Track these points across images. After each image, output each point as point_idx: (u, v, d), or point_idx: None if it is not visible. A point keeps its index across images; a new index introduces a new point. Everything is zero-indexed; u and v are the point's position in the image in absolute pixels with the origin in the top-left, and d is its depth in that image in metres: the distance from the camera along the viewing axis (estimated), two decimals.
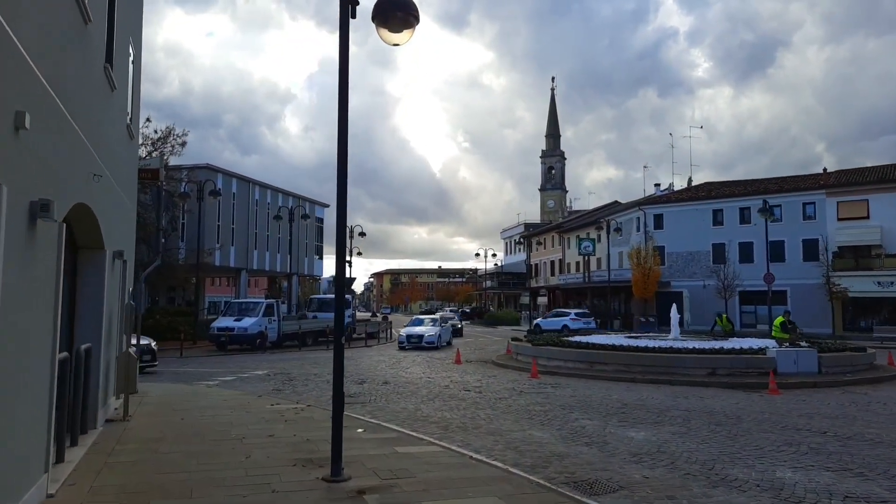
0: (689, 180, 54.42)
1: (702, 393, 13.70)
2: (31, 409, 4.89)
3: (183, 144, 29.35)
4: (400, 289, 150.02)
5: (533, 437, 8.81)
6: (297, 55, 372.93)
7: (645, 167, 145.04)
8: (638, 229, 49.22)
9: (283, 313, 28.93)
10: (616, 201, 68.74)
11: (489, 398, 12.73)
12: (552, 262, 67.65)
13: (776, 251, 40.09)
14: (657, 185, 56.73)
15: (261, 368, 18.77)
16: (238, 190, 37.93)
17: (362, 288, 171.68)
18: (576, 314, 40.07)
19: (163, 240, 11.52)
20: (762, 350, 16.72)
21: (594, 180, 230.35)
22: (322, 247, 48.37)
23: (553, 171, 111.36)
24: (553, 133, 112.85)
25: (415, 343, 27.13)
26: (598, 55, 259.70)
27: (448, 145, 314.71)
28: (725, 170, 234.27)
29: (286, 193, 43.08)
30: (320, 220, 48.01)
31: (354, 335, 33.63)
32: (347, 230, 43.02)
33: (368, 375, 17.06)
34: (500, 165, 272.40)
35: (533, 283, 72.15)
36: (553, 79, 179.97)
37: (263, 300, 28.01)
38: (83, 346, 7.58)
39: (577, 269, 59.95)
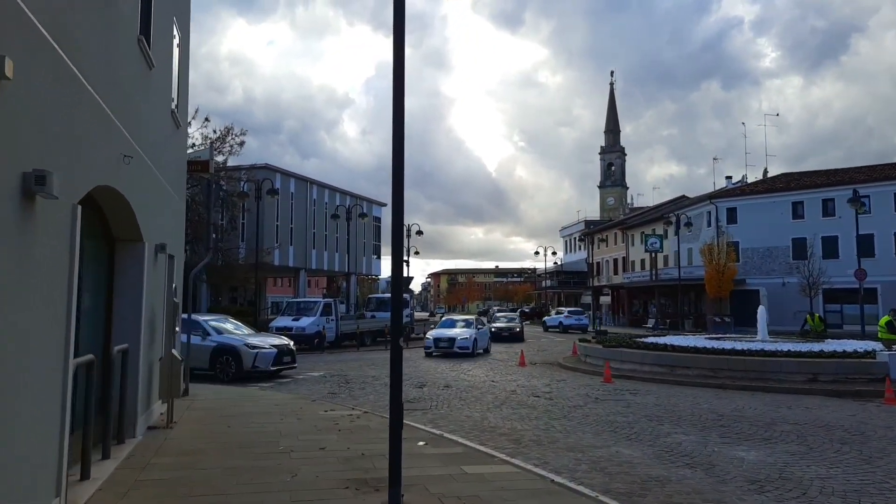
0: (765, 171, 51.23)
1: (805, 402, 12.03)
2: (34, 423, 4.09)
3: (241, 144, 29.31)
4: (457, 289, 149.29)
5: (621, 456, 7.57)
6: (354, 60, 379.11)
7: (715, 159, 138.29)
8: (709, 224, 46.54)
9: (341, 313, 28.43)
10: (683, 196, 65.67)
11: (562, 406, 11.51)
12: (615, 260, 65.23)
13: (865, 245, 36.77)
14: (728, 177, 53.68)
15: (317, 369, 18.12)
16: (296, 190, 37.89)
17: (419, 288, 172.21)
18: (569, 312, 46.72)
19: (214, 235, 10.87)
20: (870, 353, 14.75)
21: (655, 177, 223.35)
22: (380, 246, 48.00)
23: (613, 168, 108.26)
24: (612, 129, 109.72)
25: (444, 348, 23.43)
26: (659, 49, 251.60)
27: (504, 145, 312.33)
28: (796, 163, 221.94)
29: (343, 193, 42.87)
30: (378, 220, 47.64)
31: (413, 335, 32.92)
32: (405, 229, 42.47)
33: (428, 378, 16.12)
34: (556, 164, 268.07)
35: (595, 282, 69.84)
36: (612, 73, 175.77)
37: (321, 299, 27.59)
38: (119, 348, 6.88)
39: (643, 267, 57.49)
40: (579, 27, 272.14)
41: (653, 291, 48.95)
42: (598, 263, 70.29)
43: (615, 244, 65.25)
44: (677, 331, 36.85)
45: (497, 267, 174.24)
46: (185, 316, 16.31)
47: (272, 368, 15.64)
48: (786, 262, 42.59)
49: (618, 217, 79.34)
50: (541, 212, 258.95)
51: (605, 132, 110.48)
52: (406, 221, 41.30)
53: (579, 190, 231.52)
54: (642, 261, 58.45)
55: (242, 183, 28.93)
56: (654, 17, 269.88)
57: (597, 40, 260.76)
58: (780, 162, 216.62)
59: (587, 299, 72.08)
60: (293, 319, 26.13)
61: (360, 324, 28.21)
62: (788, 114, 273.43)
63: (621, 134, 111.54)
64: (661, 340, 18.77)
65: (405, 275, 48.36)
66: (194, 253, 29.79)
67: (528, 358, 21.35)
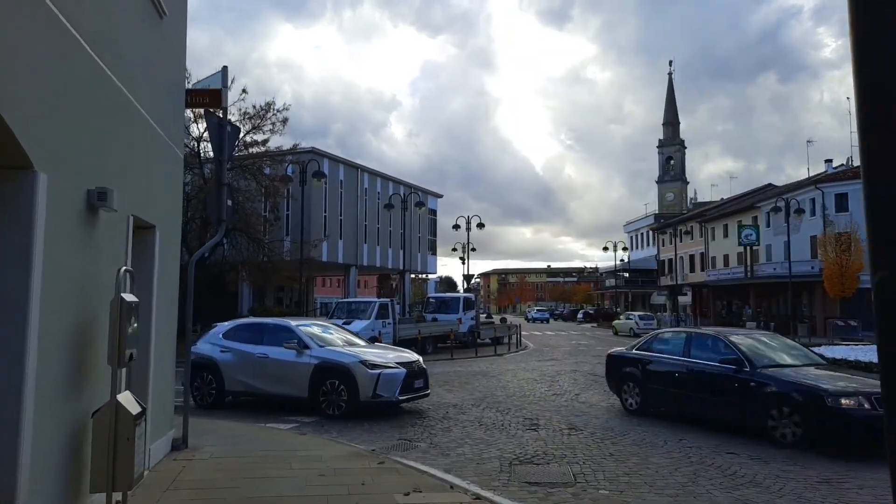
0: None
1: None
2: None
3: (284, 122, 25.56)
4: (507, 289, 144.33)
5: None
6: (399, 62, 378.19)
7: (809, 142, 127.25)
8: (813, 213, 40.51)
9: (398, 315, 24.29)
10: (769, 184, 59.16)
11: (800, 476, 6.87)
12: (690, 257, 59.28)
13: None
14: (828, 160, 47.19)
15: None
16: (346, 177, 34.06)
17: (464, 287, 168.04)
18: (640, 317, 42.44)
19: (229, 202, 6.64)
20: None
21: (711, 173, 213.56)
22: (435, 241, 43.85)
23: (672, 162, 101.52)
24: (671, 121, 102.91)
25: None
26: (713, 42, 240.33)
27: (551, 144, 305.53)
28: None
29: (397, 181, 38.88)
30: (433, 213, 43.49)
31: (479, 340, 28.53)
32: (465, 221, 37.81)
33: (530, 404, 11.68)
34: (606, 162, 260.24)
35: (668, 280, 63.92)
36: (671, 62, 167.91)
37: (376, 300, 23.53)
38: None
39: (726, 263, 51.53)
40: (629, 21, 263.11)
41: (745, 290, 43.15)
42: (669, 260, 64.33)
43: (690, 239, 59.27)
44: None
45: (549, 267, 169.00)
46: (218, 324, 12.21)
47: (400, 398, 10.68)
48: None
49: (679, 212, 72.99)
50: (591, 211, 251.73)
51: (663, 125, 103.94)
52: (454, 221, 36.93)
53: (630, 188, 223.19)
54: (725, 256, 52.50)
55: (287, 166, 25.17)
56: (707, 9, 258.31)
57: (647, 34, 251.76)
58: (847, 156, 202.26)
59: (659, 299, 66.25)
60: (343, 324, 22.08)
61: (421, 328, 23.98)
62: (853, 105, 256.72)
63: (680, 126, 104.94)
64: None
65: (466, 272, 44.01)
66: (232, 247, 26.22)
67: None
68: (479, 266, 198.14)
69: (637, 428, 9.64)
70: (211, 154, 25.52)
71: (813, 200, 40.11)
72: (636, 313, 47.00)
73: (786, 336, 33.11)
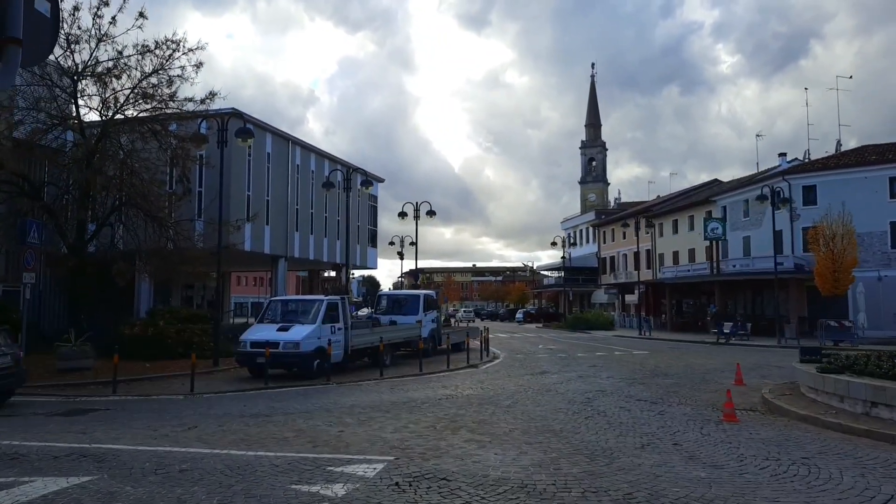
0: (838, 145, 43.34)
1: None
2: None
3: (198, 67, 19.50)
4: (433, 289, 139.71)
5: None
6: (317, 57, 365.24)
7: (758, 136, 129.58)
8: (776, 207, 38.45)
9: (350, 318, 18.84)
10: (716, 179, 57.87)
11: None
12: (635, 254, 56.91)
13: None
14: (782, 154, 45.75)
15: (368, 451, 8.59)
16: (274, 150, 28.04)
17: (390, 288, 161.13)
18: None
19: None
20: None
21: (620, 178, 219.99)
22: (376, 232, 38.37)
23: (594, 163, 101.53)
24: (593, 122, 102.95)
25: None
26: (624, 53, 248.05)
27: (470, 146, 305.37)
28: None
29: (334, 160, 33.12)
30: (374, 199, 38.01)
31: (440, 346, 23.61)
32: (413, 207, 32.64)
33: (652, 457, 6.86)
34: (524, 165, 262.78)
35: (609, 279, 61.48)
36: (593, 65, 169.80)
37: (323, 298, 18.00)
38: None
39: (676, 261, 49.32)
40: (545, 30, 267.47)
41: (706, 288, 40.60)
42: (611, 258, 61.95)
43: (634, 236, 56.90)
44: (781, 337, 28.38)
45: (475, 266, 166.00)
46: None
47: None
48: (882, 250, 34.73)
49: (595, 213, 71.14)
50: (509, 212, 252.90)
51: (585, 126, 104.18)
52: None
53: (546, 191, 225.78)
54: (675, 253, 50.32)
55: (199, 122, 19.10)
56: (617, 22, 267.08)
57: (562, 43, 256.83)
58: (742, 163, 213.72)
59: (600, 298, 63.75)
60: (279, 329, 16.51)
61: (384, 334, 18.68)
62: (748, 118, 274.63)
63: (602, 129, 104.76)
64: None
65: (416, 266, 38.78)
66: (126, 229, 19.85)
67: (708, 398, 12.36)
68: (401, 265, 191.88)
69: None
70: (94, 104, 18.91)
71: (780, 193, 38.00)
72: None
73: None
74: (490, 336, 24.76)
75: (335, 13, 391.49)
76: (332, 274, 42.23)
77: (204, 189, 23.93)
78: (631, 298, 54.54)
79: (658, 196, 67.65)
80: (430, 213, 33.79)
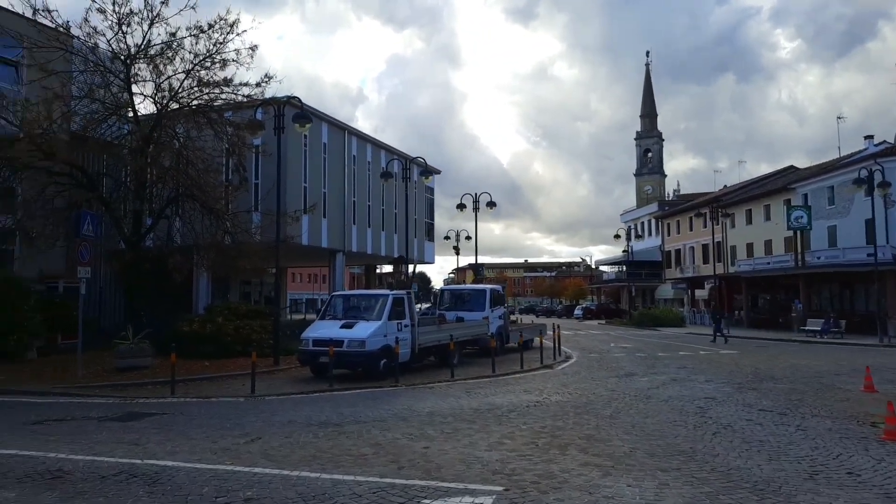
0: None
1: None
2: None
3: (252, 51, 18.55)
4: (494, 283, 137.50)
5: None
6: (365, 55, 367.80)
7: (839, 118, 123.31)
8: (866, 194, 35.18)
9: (417, 314, 17.53)
10: (791, 166, 54.13)
11: None
12: (703, 247, 53.79)
13: None
14: (868, 136, 42.07)
15: (413, 465, 7.20)
16: (330, 140, 27.04)
17: (442, 285, 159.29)
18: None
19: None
20: None
21: (675, 170, 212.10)
22: (433, 225, 37.05)
23: (650, 155, 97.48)
24: (649, 112, 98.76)
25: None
26: (676, 41, 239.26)
27: (518, 140, 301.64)
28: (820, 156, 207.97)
29: (391, 150, 31.94)
30: (430, 191, 36.71)
31: (508, 345, 22.10)
32: (472, 198, 31.17)
33: None
34: (573, 159, 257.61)
35: (673, 273, 58.51)
36: (647, 53, 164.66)
37: (388, 292, 16.73)
38: None
39: (749, 253, 46.15)
40: (594, 20, 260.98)
41: (790, 282, 37.53)
42: (676, 251, 58.92)
43: (703, 227, 53.80)
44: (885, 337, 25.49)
45: (526, 261, 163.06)
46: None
47: None
48: None
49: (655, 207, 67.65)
50: (559, 207, 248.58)
51: (641, 116, 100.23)
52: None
53: (596, 185, 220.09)
54: (749, 245, 47.14)
55: (255, 109, 18.12)
56: (668, 10, 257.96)
57: (611, 34, 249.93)
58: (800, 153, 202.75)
59: (665, 293, 60.83)
60: (342, 326, 15.30)
61: (452, 332, 17.28)
62: (810, 105, 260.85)
63: (658, 119, 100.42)
64: None
65: (475, 260, 37.36)
66: (183, 222, 19.09)
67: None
68: (451, 262, 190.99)
69: None
70: (148, 90, 18.01)
71: (870, 175, 34.71)
72: None
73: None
74: (551, 333, 22.85)
75: (382, 11, 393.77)
76: (389, 269, 41.25)
77: (260, 180, 23.10)
78: (701, 293, 51.65)
79: (725, 186, 64.05)
80: (490, 204, 32.27)
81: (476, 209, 32.48)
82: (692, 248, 55.95)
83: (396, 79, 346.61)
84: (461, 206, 32.42)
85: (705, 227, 52.93)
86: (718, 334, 28.92)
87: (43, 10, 15.43)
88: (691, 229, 55.97)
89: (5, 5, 17.71)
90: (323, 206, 25.70)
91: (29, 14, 15.48)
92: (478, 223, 32.98)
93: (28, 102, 16.36)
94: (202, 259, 19.34)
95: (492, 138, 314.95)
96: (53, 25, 15.69)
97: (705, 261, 53.02)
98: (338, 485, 6.35)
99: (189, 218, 18.74)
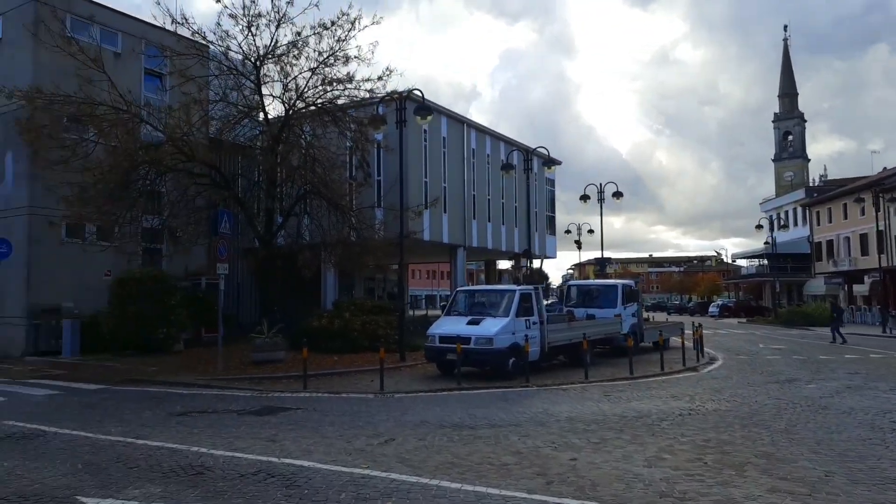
0: None
1: None
2: None
3: (374, 45, 18.43)
4: (628, 278, 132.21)
5: None
6: (478, 51, 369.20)
7: None
8: None
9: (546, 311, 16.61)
10: None
11: None
12: (861, 236, 47.84)
13: None
14: None
15: (563, 480, 6.32)
16: (450, 133, 26.73)
17: (559, 281, 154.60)
18: None
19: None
20: None
21: (818, 154, 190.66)
22: (555, 219, 35.79)
23: (790, 138, 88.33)
24: (788, 92, 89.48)
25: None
26: (814, 14, 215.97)
27: (638, 129, 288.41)
28: None
29: (510, 142, 31.12)
30: (551, 183, 35.48)
31: (642, 343, 20.53)
32: (597, 189, 29.59)
33: None
34: (701, 147, 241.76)
35: (825, 266, 52.68)
36: (786, 27, 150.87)
37: (515, 287, 15.97)
38: None
39: None
40: None
41: None
42: (828, 242, 52.95)
43: (861, 215, 47.82)
44: None
45: (651, 256, 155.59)
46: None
47: None
48: None
49: (800, 195, 60.56)
50: (685, 199, 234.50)
51: (779, 97, 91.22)
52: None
53: (728, 174, 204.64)
54: None
55: (377, 104, 18.04)
56: None
57: (738, 9, 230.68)
58: None
59: (815, 288, 54.94)
60: (469, 323, 14.75)
61: (583, 329, 16.23)
62: None
63: (799, 98, 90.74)
64: None
65: (601, 255, 35.76)
66: (311, 219, 19.50)
67: None
68: (569, 257, 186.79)
69: None
70: (276, 91, 18.53)
71: None
72: None
73: None
74: (688, 332, 20.78)
75: (494, 6, 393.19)
76: (508, 265, 40.48)
77: (382, 176, 23.23)
78: (860, 289, 46.05)
79: (884, 168, 56.64)
80: (617, 194, 30.45)
81: (601, 200, 30.82)
82: (847, 238, 49.99)
83: (510, 73, 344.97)
84: (584, 198, 30.92)
85: (863, 214, 47.06)
86: (837, 334, 25.15)
87: (181, 19, 16.24)
88: (846, 217, 50.02)
89: (148, 19, 18.98)
90: (444, 200, 25.44)
91: (169, 24, 16.34)
92: (590, 219, 31.31)
93: (170, 109, 17.38)
94: (329, 255, 19.66)
95: (610, 129, 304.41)
96: (190, 33, 16.48)
97: (864, 252, 47.15)
98: (483, 499, 5.68)
99: (316, 215, 19.11)
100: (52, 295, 19.17)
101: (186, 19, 16.23)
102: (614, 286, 20.92)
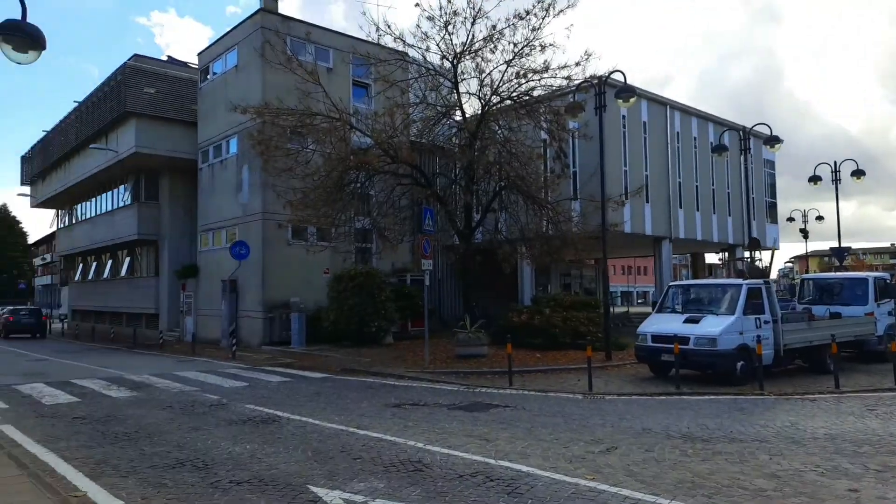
0: None
1: None
2: None
3: (569, 30, 17.48)
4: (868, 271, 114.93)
5: None
6: (674, 32, 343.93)
7: None
8: None
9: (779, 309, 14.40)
10: None
11: None
12: None
13: None
14: None
15: None
16: (650, 117, 24.82)
17: (776, 275, 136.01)
18: None
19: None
20: None
21: None
22: (776, 205, 31.64)
23: None
24: None
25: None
26: None
27: (872, 101, 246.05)
28: None
29: (718, 122, 28.09)
30: (770, 165, 31.43)
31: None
32: (831, 168, 25.51)
33: None
34: None
35: None
36: None
37: (742, 282, 14.07)
38: None
39: None
40: None
41: None
42: None
43: None
44: None
45: (893, 245, 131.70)
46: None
47: None
48: None
49: None
50: None
51: None
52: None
53: None
54: None
55: (574, 89, 17.20)
56: None
57: None
58: None
59: None
60: (686, 321, 13.29)
61: (827, 330, 13.83)
62: None
63: None
64: None
65: (838, 244, 30.97)
66: (508, 214, 19.31)
67: None
68: (787, 249, 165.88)
69: None
70: (472, 87, 18.46)
71: None
72: None
73: None
74: None
75: None
76: (717, 258, 36.77)
77: (578, 167, 22.27)
78: None
79: None
80: (857, 173, 25.83)
81: (836, 181, 26.45)
82: None
83: (709, 53, 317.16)
84: (815, 179, 26.72)
85: None
86: None
87: (384, 27, 17.01)
88: None
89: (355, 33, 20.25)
90: (646, 189, 23.67)
91: (374, 32, 17.21)
92: (838, 200, 26.75)
93: (376, 115, 18.36)
94: (527, 250, 19.30)
95: (832, 103, 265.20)
96: (392, 39, 17.18)
97: None
98: None
99: (513, 210, 18.85)
100: (281, 291, 21.44)
101: (389, 26, 16.97)
102: (864, 280, 17.59)
